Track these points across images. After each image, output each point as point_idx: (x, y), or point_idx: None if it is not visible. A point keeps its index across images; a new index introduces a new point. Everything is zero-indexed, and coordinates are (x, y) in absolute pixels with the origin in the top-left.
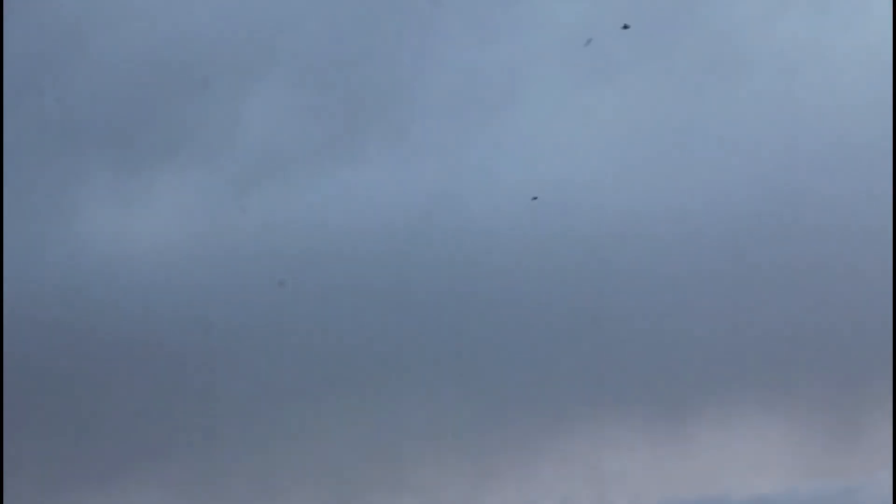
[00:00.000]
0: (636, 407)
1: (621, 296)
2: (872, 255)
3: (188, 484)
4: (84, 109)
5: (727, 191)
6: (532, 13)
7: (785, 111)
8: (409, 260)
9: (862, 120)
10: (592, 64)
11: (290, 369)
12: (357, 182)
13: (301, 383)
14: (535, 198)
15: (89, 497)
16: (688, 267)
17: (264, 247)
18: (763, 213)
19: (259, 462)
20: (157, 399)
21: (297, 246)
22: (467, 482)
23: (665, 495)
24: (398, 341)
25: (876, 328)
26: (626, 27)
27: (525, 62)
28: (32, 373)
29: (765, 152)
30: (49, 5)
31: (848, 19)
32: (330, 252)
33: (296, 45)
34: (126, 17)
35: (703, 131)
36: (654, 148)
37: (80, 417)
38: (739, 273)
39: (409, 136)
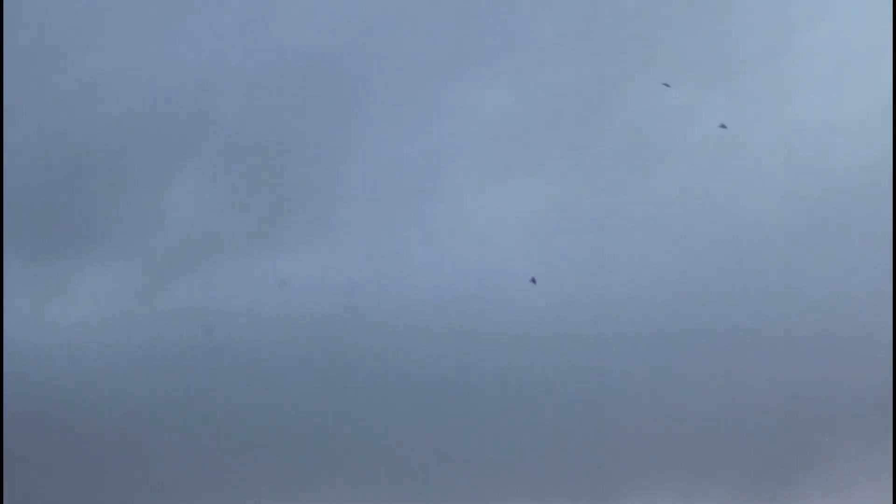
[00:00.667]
0: (558, 494)
1: (540, 390)
2: (787, 350)
3: None
4: (1, 197)
5: (647, 285)
6: (453, 103)
7: (705, 203)
8: (329, 348)
9: (778, 210)
10: (512, 154)
11: (212, 456)
12: (278, 270)
13: (223, 471)
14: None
15: None
16: (608, 361)
17: (185, 335)
18: (683, 307)
19: None
20: (70, 486)
21: (218, 333)
22: None
23: None
24: (320, 429)
25: (788, 421)
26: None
27: (446, 152)
28: None
29: (685, 245)
30: None
31: (764, 113)
32: (251, 339)
33: (218, 134)
34: (45, 104)
35: (622, 224)
36: (573, 241)
37: None
38: (660, 366)
39: (330, 224)
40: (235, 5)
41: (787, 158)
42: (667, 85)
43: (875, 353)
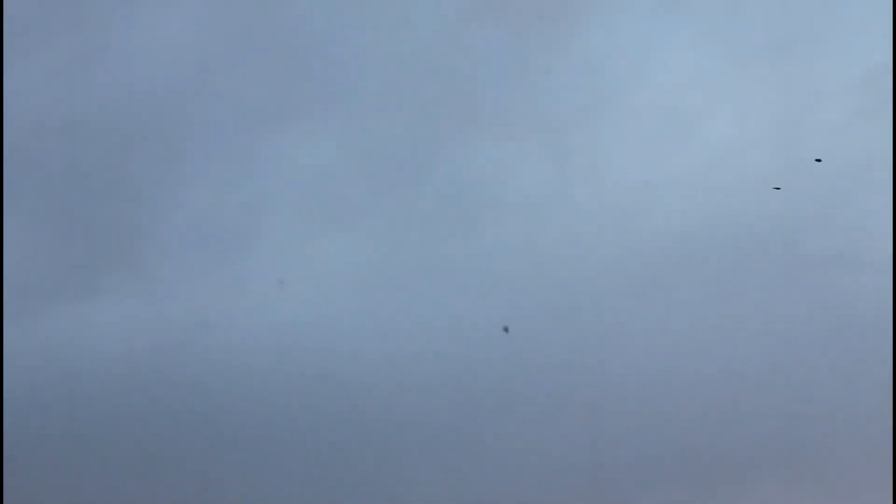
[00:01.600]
0: None
1: (363, 438)
2: (595, 416)
3: None
4: None
5: (466, 338)
6: (277, 155)
7: (526, 258)
8: (143, 398)
9: (599, 269)
10: (334, 208)
11: None
12: (94, 316)
13: None
14: (506, 328)
15: None
16: (422, 413)
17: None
18: (500, 358)
19: None
20: None
21: (34, 377)
22: None
23: None
24: (129, 477)
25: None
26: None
27: (268, 203)
28: None
29: (505, 298)
30: None
31: (584, 171)
32: (63, 380)
33: (35, 179)
34: None
35: (444, 277)
36: (393, 294)
37: None
38: (478, 412)
39: (148, 273)
40: (63, 49)
41: (606, 217)
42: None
43: (675, 414)
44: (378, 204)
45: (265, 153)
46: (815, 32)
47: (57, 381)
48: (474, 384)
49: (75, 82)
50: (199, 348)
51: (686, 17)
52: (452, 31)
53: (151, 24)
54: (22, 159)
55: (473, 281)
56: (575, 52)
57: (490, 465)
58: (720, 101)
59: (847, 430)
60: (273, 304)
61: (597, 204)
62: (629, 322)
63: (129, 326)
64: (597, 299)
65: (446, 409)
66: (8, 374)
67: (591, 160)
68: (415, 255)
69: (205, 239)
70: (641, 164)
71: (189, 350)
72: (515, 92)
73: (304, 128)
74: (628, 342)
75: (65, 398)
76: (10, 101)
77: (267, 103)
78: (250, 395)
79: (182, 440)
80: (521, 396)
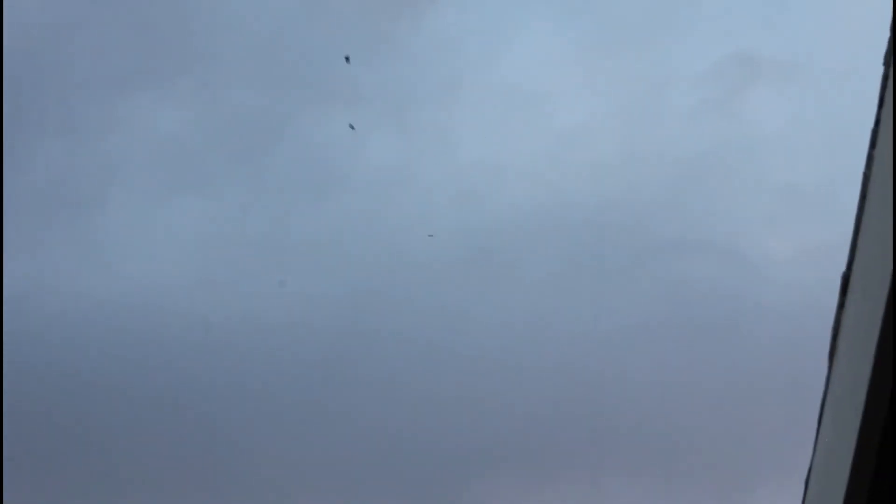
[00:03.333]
0: None
1: (186, 401)
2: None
3: None
4: None
5: (312, 305)
6: (128, 118)
7: (374, 230)
8: None
9: (445, 245)
10: (184, 173)
11: None
12: None
13: None
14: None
15: None
16: (271, 378)
17: None
18: (340, 334)
19: None
20: None
21: None
22: None
23: None
24: None
25: None
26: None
27: (117, 166)
28: None
29: (349, 272)
30: None
31: (434, 149)
32: None
33: None
34: None
35: (290, 247)
36: (240, 261)
37: None
38: (316, 386)
39: None
40: None
41: (454, 195)
42: (352, 126)
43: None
44: (228, 172)
45: (117, 115)
46: (668, 20)
47: None
48: (313, 356)
49: None
50: (41, 306)
51: None
52: (308, 1)
53: None
54: None
55: (319, 252)
56: (428, 29)
57: (324, 438)
58: (571, 83)
59: (687, 417)
60: (119, 267)
61: (445, 182)
62: (472, 304)
63: None
64: (439, 279)
65: (282, 380)
66: None
67: (441, 138)
68: (263, 224)
69: (53, 201)
70: (491, 144)
71: (32, 311)
72: (368, 66)
73: (157, 94)
74: (470, 324)
75: None
76: None
77: (121, 65)
78: (87, 354)
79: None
80: (361, 373)
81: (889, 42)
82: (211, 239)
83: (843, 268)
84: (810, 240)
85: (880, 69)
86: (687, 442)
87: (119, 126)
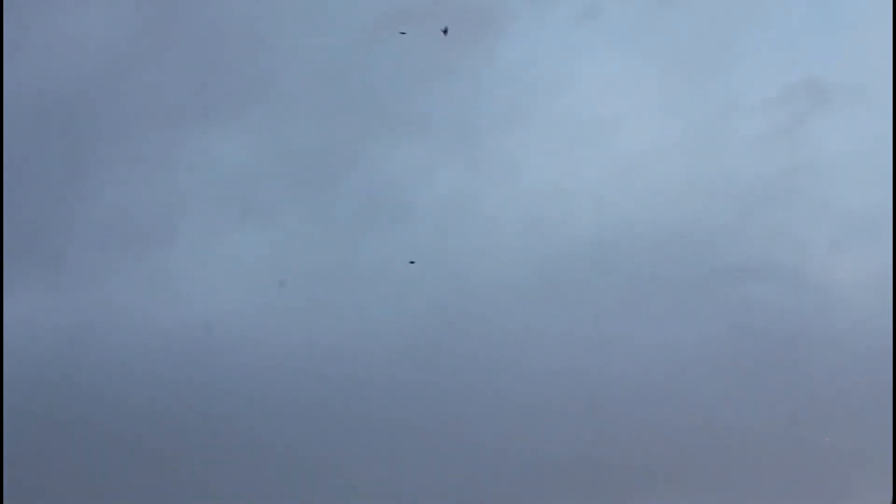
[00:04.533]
0: None
1: (288, 427)
2: (513, 416)
3: None
4: None
5: (380, 333)
6: (192, 152)
7: (440, 262)
8: (54, 387)
9: (513, 272)
10: (248, 206)
11: None
12: (10, 309)
13: None
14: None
15: None
16: (353, 404)
17: None
18: (410, 362)
19: None
20: None
21: None
22: None
23: None
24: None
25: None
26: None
27: (182, 200)
28: None
29: (417, 301)
30: None
31: (501, 177)
32: None
33: None
34: None
35: (358, 278)
36: (309, 290)
37: None
38: (385, 416)
39: (62, 264)
40: None
41: (521, 222)
42: (445, 31)
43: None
44: (294, 203)
45: (184, 151)
46: (734, 48)
47: None
48: (383, 379)
49: None
50: (107, 340)
51: (607, 27)
52: (372, 34)
53: (69, 19)
54: None
55: (386, 282)
56: (496, 60)
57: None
58: (637, 111)
59: (753, 440)
60: (188, 298)
61: (511, 209)
62: (539, 327)
63: (41, 319)
64: (507, 303)
65: (353, 400)
66: None
67: (507, 166)
68: (328, 256)
69: (121, 233)
70: (556, 170)
71: (100, 340)
72: (433, 97)
73: (222, 126)
74: (538, 346)
75: None
76: None
77: (186, 101)
78: (159, 381)
79: (86, 430)
80: (447, 391)
81: None
82: (277, 270)
83: None
84: (876, 263)
85: None
86: (750, 473)
87: (183, 160)
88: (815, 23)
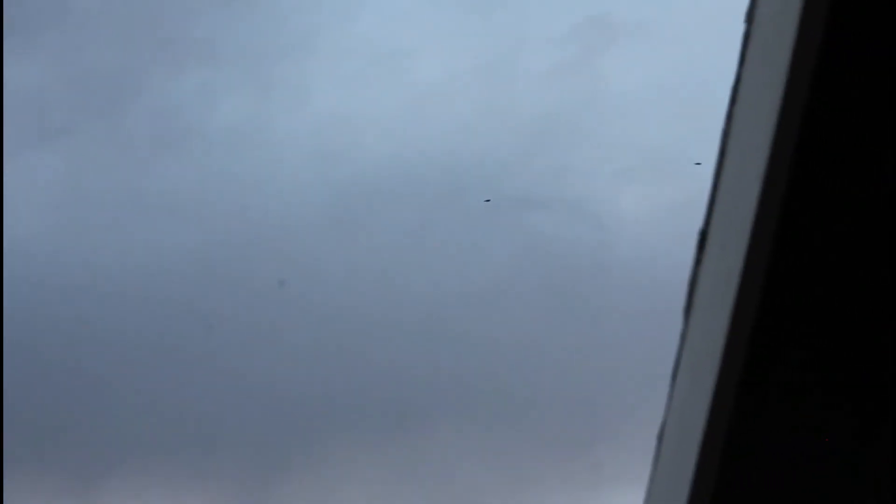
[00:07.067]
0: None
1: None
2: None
3: None
4: None
5: (162, 263)
6: None
7: (228, 188)
8: None
9: (299, 202)
10: (37, 126)
11: None
12: None
13: None
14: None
15: None
16: (132, 325)
17: None
18: (192, 290)
19: None
20: None
21: None
22: None
23: None
24: None
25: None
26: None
27: None
28: None
29: (200, 228)
30: None
31: (288, 105)
32: None
33: None
34: None
35: (144, 202)
36: (92, 215)
37: None
38: (183, 334)
39: None
40: None
41: (310, 151)
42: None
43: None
44: (83, 126)
45: None
46: None
47: None
48: (163, 304)
49: None
50: None
51: None
52: None
53: None
54: None
55: (173, 207)
56: None
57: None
58: (429, 41)
59: (539, 369)
60: None
61: (300, 138)
62: (326, 258)
63: None
64: (294, 232)
65: (138, 327)
66: None
67: (296, 94)
68: (115, 180)
69: None
70: (347, 100)
71: None
72: (222, 21)
73: (10, 48)
74: (324, 278)
75: None
76: None
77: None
78: None
79: None
80: (227, 319)
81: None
82: (63, 193)
83: (694, 225)
84: (663, 199)
85: (731, 29)
86: (538, 398)
87: None
88: None
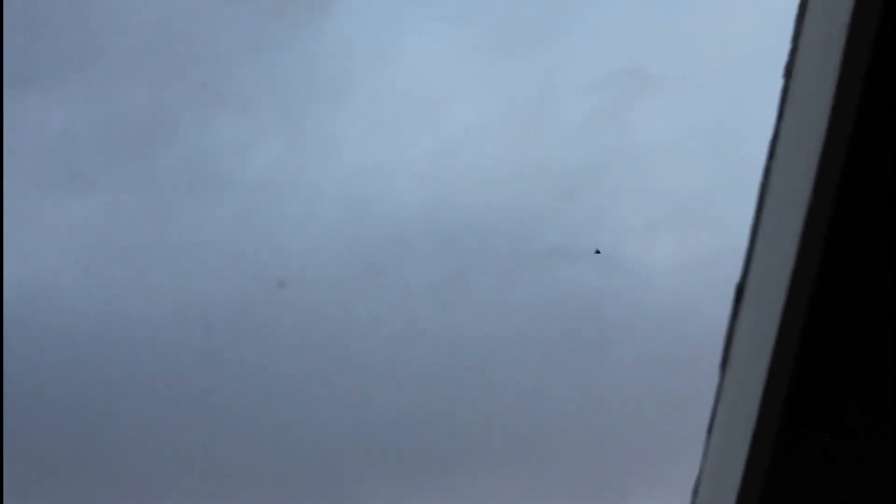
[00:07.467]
0: None
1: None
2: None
3: None
4: None
5: (195, 305)
6: (9, 116)
7: (257, 233)
8: None
9: (329, 250)
10: (67, 172)
11: None
12: None
13: None
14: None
15: None
16: (149, 374)
17: None
18: (226, 335)
19: None
20: None
21: None
22: None
23: None
24: None
25: None
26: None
27: (6, 163)
28: None
29: (234, 275)
30: None
31: (321, 153)
32: None
33: None
34: None
35: (174, 250)
36: (123, 262)
37: None
38: (202, 379)
39: None
40: None
41: (340, 200)
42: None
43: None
44: (113, 172)
45: (4, 115)
46: (561, 28)
47: None
48: (190, 353)
49: None
50: None
51: (435, 1)
52: (200, 2)
53: None
54: None
55: (203, 256)
56: (321, 36)
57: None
58: (461, 88)
59: (562, 425)
60: (5, 264)
61: (331, 186)
62: (354, 306)
63: None
64: (324, 281)
65: (172, 377)
66: None
67: (329, 142)
68: (146, 227)
69: None
70: (379, 147)
71: None
72: (257, 69)
73: (41, 91)
74: (352, 327)
75: None
76: None
77: (10, 61)
78: None
79: None
80: (258, 368)
81: (789, 54)
82: (92, 240)
83: (726, 273)
84: (696, 250)
85: (768, 83)
86: (569, 450)
87: (7, 124)
88: (643, 10)
